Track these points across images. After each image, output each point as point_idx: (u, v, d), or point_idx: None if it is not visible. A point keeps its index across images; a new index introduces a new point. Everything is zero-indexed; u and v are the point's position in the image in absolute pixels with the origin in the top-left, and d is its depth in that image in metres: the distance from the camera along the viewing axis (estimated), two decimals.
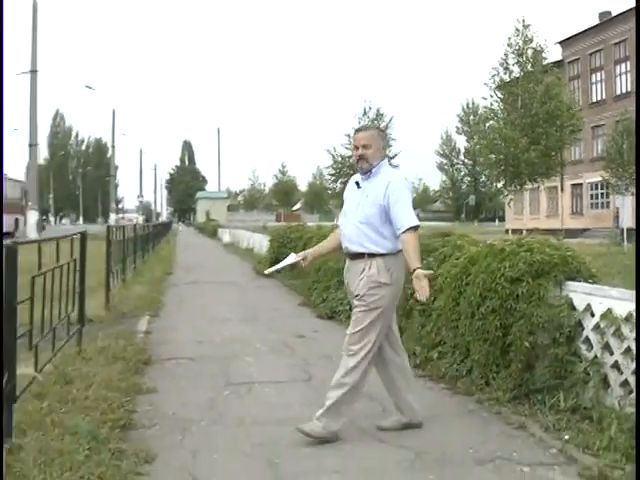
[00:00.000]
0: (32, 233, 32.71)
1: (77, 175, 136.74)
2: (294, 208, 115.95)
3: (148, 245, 24.19)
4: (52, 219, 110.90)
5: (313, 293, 12.17)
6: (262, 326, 9.84)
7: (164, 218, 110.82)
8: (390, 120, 60.91)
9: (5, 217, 39.52)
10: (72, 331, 7.03)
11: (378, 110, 60.54)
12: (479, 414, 5.53)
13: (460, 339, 6.38)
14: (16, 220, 41.50)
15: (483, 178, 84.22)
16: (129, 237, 15.96)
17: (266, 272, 5.98)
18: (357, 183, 5.14)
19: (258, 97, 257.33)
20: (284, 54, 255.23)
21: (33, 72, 34.50)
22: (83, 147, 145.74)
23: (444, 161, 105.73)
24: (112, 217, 58.06)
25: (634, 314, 4.77)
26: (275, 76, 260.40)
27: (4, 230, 41.28)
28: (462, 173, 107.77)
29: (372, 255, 4.93)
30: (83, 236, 7.74)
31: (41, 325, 5.56)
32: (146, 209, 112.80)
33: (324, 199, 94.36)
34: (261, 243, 23.79)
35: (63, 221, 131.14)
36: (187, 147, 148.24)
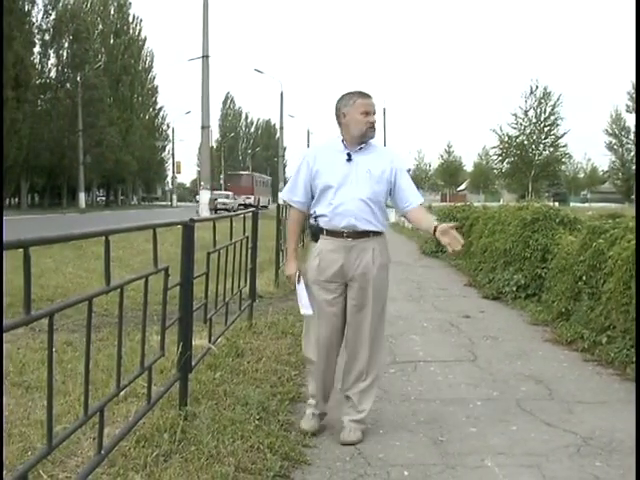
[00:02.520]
0: (204, 212, 33.92)
1: (246, 156, 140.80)
2: (459, 188, 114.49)
3: None
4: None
5: (479, 273, 12.02)
6: (428, 305, 9.82)
7: None
8: (558, 99, 59.07)
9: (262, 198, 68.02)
10: (244, 306, 7.26)
11: (545, 89, 58.82)
12: None
13: (631, 323, 6.08)
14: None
15: None
16: None
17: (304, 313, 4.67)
18: (349, 154, 4.50)
19: (424, 77, 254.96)
20: (449, 33, 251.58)
21: (205, 57, 35.77)
22: (252, 129, 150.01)
23: (613, 140, 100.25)
24: (280, 196, 59.50)
25: None
26: (441, 55, 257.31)
27: (262, 204, 63.24)
28: (632, 153, 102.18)
29: (376, 234, 4.52)
30: (255, 214, 7.96)
31: (215, 299, 5.79)
32: None
33: (490, 179, 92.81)
34: None
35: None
36: None
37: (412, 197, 4.57)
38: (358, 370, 4.61)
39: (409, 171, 5.47)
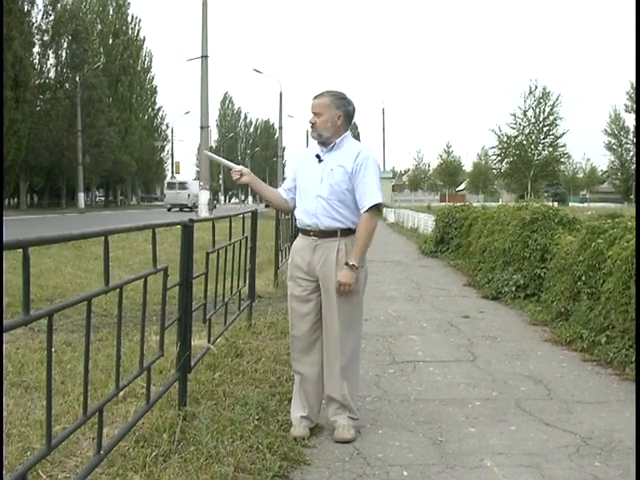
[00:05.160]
0: (203, 212, 33.90)
1: (245, 156, 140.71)
2: (458, 188, 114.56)
3: None
4: (222, 198, 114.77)
5: (478, 273, 12.02)
6: (427, 305, 9.82)
7: None
8: (557, 99, 59.06)
9: None
10: (243, 306, 7.25)
11: (544, 89, 58.80)
12: None
13: (630, 323, 6.09)
14: None
15: None
16: None
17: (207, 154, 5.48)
18: (318, 156, 4.58)
19: (423, 77, 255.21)
20: (449, 33, 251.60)
21: (204, 57, 35.76)
22: (251, 129, 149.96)
23: (612, 140, 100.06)
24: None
25: None
26: (440, 56, 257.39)
27: None
28: (631, 153, 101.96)
29: (344, 232, 4.48)
30: (254, 214, 7.95)
31: (214, 299, 5.78)
32: None
33: (489, 179, 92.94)
34: (426, 223, 23.68)
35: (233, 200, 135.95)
36: (353, 128, 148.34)
37: (363, 197, 4.46)
38: (333, 371, 4.56)
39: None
